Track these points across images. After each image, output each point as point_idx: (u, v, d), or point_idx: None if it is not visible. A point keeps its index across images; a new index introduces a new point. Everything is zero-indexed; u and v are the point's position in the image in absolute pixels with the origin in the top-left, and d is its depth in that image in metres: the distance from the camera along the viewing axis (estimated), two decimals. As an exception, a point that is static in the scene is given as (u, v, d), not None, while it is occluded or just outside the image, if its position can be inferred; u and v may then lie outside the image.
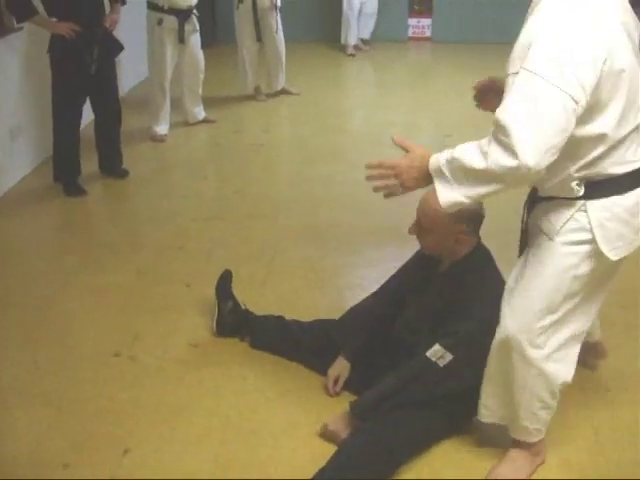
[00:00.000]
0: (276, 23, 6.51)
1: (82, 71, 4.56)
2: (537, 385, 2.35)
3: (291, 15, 6.60)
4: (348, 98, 7.30)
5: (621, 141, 2.07)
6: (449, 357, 2.47)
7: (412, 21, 9.25)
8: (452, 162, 2.02)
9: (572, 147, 2.01)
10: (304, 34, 8.57)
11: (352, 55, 8.52)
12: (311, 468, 2.45)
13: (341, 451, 2.48)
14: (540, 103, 1.87)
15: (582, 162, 2.09)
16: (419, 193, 2.40)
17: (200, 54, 5.79)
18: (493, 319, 2.37)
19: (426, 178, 2.11)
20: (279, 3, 6.47)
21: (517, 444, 2.53)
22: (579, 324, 2.32)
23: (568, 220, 2.18)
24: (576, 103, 1.88)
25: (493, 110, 2.01)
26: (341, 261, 3.95)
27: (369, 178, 2.22)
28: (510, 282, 2.36)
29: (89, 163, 4.96)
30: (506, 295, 2.35)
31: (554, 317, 2.26)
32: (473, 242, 2.61)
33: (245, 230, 4.30)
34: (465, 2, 8.99)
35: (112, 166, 5.02)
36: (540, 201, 2.28)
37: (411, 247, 3.89)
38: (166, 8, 5.40)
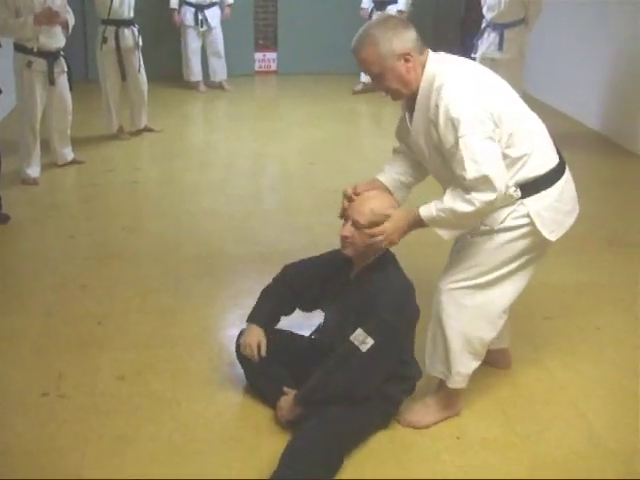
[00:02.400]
0: (139, 62, 6.63)
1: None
2: (467, 333, 2.90)
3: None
4: (209, 133, 7.49)
5: (529, 154, 2.74)
6: (370, 342, 2.71)
7: (258, 55, 9.62)
8: (444, 211, 2.64)
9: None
10: (152, 73, 8.64)
11: (204, 92, 8.72)
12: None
13: (290, 450, 2.68)
14: (485, 149, 2.58)
15: (513, 171, 2.71)
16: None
17: (68, 95, 5.80)
18: (402, 305, 2.81)
19: (413, 228, 2.76)
20: (140, 42, 6.59)
21: (439, 392, 3.06)
22: (502, 293, 2.89)
23: (510, 213, 2.76)
24: (493, 139, 2.62)
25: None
26: (245, 286, 4.15)
27: None
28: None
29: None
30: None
31: (479, 280, 2.84)
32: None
33: (142, 265, 4.40)
34: (306, 36, 9.49)
35: (-8, 212, 4.95)
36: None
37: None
38: (35, 50, 5.40)
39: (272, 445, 2.87)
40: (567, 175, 2.89)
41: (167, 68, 8.72)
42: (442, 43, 9.33)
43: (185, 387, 3.26)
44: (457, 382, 2.98)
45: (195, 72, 8.67)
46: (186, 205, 5.37)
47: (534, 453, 2.89)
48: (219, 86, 8.86)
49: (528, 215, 2.75)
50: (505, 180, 2.61)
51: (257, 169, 6.28)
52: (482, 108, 2.60)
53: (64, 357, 3.46)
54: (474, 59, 6.92)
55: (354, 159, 6.70)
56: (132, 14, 6.55)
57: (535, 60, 6.38)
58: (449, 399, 3.05)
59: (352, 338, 2.74)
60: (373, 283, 2.84)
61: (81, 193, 5.62)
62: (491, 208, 2.64)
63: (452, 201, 2.62)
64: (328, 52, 9.46)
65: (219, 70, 8.81)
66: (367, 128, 7.90)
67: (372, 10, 8.41)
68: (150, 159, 6.56)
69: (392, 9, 8.23)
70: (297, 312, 3.22)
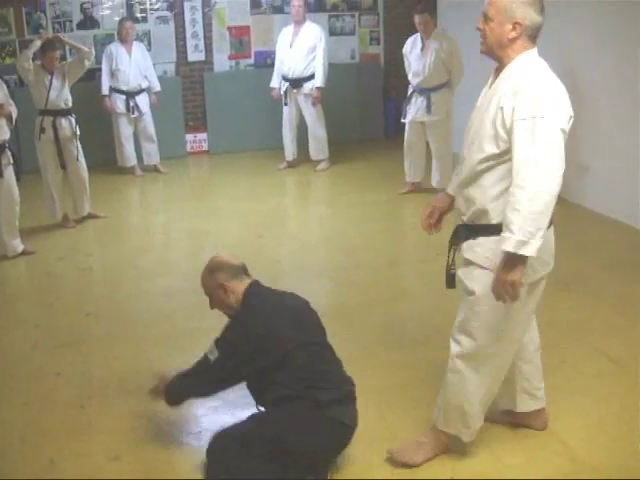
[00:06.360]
0: (77, 150, 6.70)
1: None
2: (486, 394, 3.09)
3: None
4: (153, 215, 7.58)
5: None
6: (216, 353, 3.13)
7: (189, 137, 9.79)
8: (523, 226, 2.57)
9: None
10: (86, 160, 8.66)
11: (140, 175, 8.81)
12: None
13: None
14: (559, 135, 2.65)
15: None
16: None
17: (15, 186, 5.87)
18: (236, 329, 3.20)
19: (512, 267, 2.66)
20: (78, 131, 6.69)
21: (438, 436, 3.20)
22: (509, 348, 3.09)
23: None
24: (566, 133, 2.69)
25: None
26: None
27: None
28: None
29: None
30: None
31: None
32: (240, 289, 3.25)
33: (113, 349, 4.43)
34: (234, 117, 9.70)
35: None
36: (475, 236, 2.92)
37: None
38: (-19, 144, 5.46)
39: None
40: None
41: (100, 155, 8.74)
42: (367, 108, 9.80)
43: (182, 463, 3.32)
44: (471, 436, 3.16)
45: (130, 157, 8.77)
46: (145, 287, 5.43)
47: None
48: (154, 169, 8.98)
49: None
50: (560, 173, 2.62)
51: (207, 247, 6.38)
52: (564, 111, 2.69)
53: (53, 444, 3.47)
54: (404, 124, 7.29)
55: (300, 229, 6.92)
56: (69, 104, 6.66)
57: (460, 121, 6.72)
58: (446, 442, 3.20)
59: (207, 350, 3.16)
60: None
61: (37, 283, 5.62)
62: (543, 197, 2.61)
63: (515, 210, 2.61)
64: (254, 130, 9.72)
65: (153, 154, 8.93)
66: (304, 198, 8.11)
67: (287, 89, 8.48)
68: (99, 245, 6.60)
69: (309, 86, 8.38)
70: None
